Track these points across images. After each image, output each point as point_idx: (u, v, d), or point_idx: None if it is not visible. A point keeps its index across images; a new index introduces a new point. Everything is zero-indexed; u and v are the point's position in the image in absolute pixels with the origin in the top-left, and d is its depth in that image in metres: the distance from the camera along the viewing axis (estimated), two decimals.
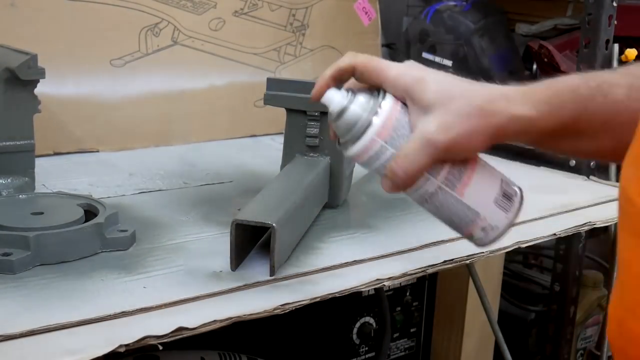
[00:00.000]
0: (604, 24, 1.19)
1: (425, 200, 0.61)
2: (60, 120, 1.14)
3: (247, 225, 0.72)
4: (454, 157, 0.60)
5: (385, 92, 0.61)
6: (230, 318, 0.64)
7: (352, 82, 0.64)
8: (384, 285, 0.75)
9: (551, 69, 1.38)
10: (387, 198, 0.94)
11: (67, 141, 1.15)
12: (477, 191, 0.62)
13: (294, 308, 0.67)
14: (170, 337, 0.60)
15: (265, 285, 0.71)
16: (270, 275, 0.72)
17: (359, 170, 1.05)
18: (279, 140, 1.03)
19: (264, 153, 0.97)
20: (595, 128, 0.59)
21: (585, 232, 0.98)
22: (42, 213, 0.79)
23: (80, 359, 0.56)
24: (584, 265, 1.34)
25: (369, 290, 1.08)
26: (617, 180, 1.30)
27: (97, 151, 1.18)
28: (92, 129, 1.18)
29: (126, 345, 0.58)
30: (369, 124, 0.60)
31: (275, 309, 0.66)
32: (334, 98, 0.63)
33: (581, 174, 1.21)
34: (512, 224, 0.62)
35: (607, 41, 1.20)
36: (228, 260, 0.76)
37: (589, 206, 1.02)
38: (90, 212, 0.81)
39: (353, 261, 0.78)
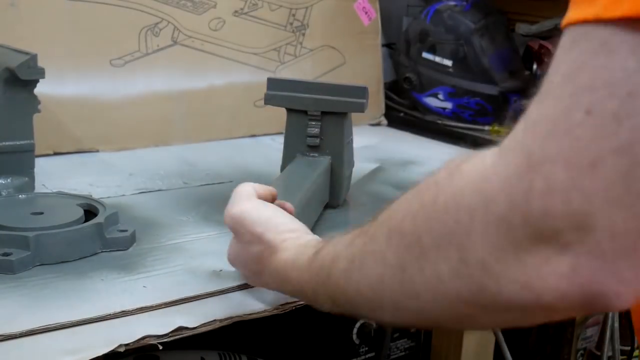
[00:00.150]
0: None
1: None
2: (60, 120, 1.14)
3: None
4: None
5: None
6: (230, 318, 0.64)
7: None
8: None
9: None
10: (388, 198, 0.94)
11: (67, 141, 1.15)
12: None
13: (294, 308, 0.67)
14: (170, 337, 0.60)
15: None
16: None
17: (359, 170, 1.05)
18: (279, 140, 1.03)
19: (264, 153, 0.97)
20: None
21: None
22: (42, 213, 0.79)
23: (80, 359, 0.56)
24: None
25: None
26: None
27: (97, 151, 1.18)
28: (92, 129, 1.18)
29: (126, 345, 0.58)
30: None
31: (275, 309, 0.66)
32: None
33: None
34: None
35: None
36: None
37: None
38: (90, 212, 0.81)
39: None
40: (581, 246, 0.35)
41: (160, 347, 0.60)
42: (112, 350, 0.57)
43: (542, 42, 1.37)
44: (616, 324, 1.26)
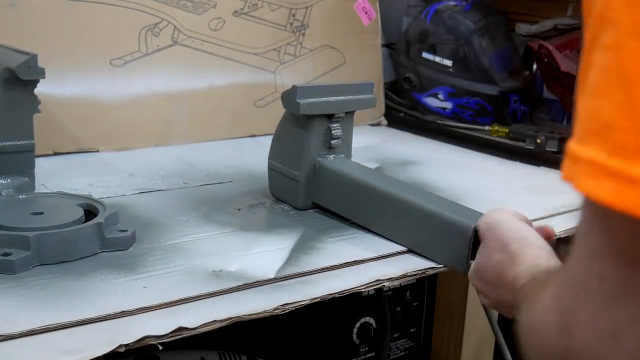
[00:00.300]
0: None
1: None
2: (60, 120, 1.14)
3: None
4: None
5: None
6: (230, 318, 0.64)
7: None
8: (384, 285, 0.75)
9: (551, 69, 1.38)
10: None
11: (67, 141, 1.15)
12: None
13: (294, 308, 0.67)
14: (170, 337, 0.60)
15: (265, 285, 0.71)
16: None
17: None
18: None
19: (264, 153, 0.97)
20: None
21: None
22: (42, 213, 0.79)
23: (80, 359, 0.56)
24: None
25: (369, 291, 1.08)
26: None
27: (97, 151, 1.18)
28: (92, 129, 1.18)
29: (126, 345, 0.58)
30: None
31: (275, 309, 0.66)
32: None
33: None
34: None
35: None
36: (228, 260, 0.76)
37: None
38: (90, 212, 0.81)
39: (353, 261, 0.78)
40: None
41: (160, 347, 0.60)
42: (112, 350, 0.57)
43: (542, 42, 1.37)
44: None
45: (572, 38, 1.39)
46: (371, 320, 1.13)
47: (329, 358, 1.10)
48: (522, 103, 1.46)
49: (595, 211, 0.36)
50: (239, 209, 0.94)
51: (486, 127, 1.43)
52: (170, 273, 0.73)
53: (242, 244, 0.82)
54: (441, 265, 0.79)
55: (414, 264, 0.79)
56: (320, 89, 0.92)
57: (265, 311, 0.66)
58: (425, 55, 1.48)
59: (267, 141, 0.98)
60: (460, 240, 0.76)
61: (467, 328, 1.23)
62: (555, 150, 1.29)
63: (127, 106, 1.21)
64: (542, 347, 0.42)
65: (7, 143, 0.87)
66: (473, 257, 0.77)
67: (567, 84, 1.35)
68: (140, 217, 0.88)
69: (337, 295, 0.71)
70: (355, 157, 0.98)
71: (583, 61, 0.38)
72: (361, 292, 0.74)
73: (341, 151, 0.95)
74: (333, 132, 0.92)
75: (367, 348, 1.14)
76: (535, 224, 0.71)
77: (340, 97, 0.92)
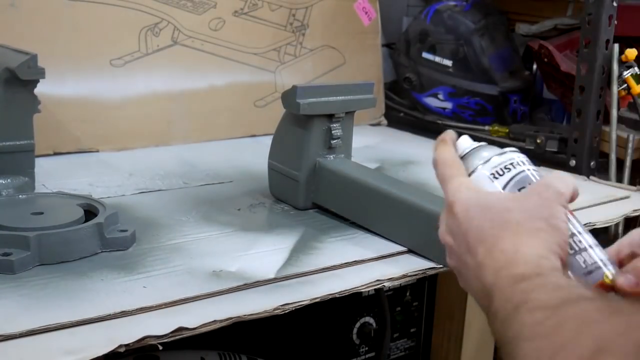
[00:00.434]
0: (604, 24, 1.19)
1: None
2: (60, 120, 1.14)
3: None
4: None
5: None
6: (230, 318, 0.64)
7: None
8: (384, 285, 0.75)
9: (551, 69, 1.38)
10: None
11: (67, 141, 1.15)
12: None
13: (294, 308, 0.67)
14: (170, 337, 0.60)
15: (265, 285, 0.71)
16: None
17: None
18: None
19: (264, 153, 0.97)
20: None
21: None
22: (42, 213, 0.79)
23: (80, 359, 0.56)
24: None
25: (369, 291, 1.08)
26: (617, 181, 1.30)
27: (97, 151, 1.18)
28: (92, 129, 1.18)
29: (126, 345, 0.58)
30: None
31: (275, 309, 0.66)
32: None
33: (581, 174, 1.21)
34: None
35: (607, 41, 1.20)
36: (228, 260, 0.76)
37: (589, 206, 1.02)
38: (90, 212, 0.81)
39: (353, 261, 0.78)
40: None
41: (160, 347, 0.60)
42: (112, 350, 0.57)
43: (542, 42, 1.37)
44: None
45: (572, 38, 1.39)
46: (371, 320, 1.13)
47: (329, 358, 1.10)
48: (522, 103, 1.46)
49: None
50: (239, 209, 0.94)
51: (486, 127, 1.43)
52: (170, 273, 0.73)
53: (242, 244, 0.82)
54: (441, 265, 0.79)
55: (414, 264, 0.79)
56: (320, 89, 0.92)
57: (265, 311, 0.66)
58: (425, 55, 1.48)
59: (267, 141, 0.98)
60: None
61: (467, 328, 1.23)
62: (555, 150, 1.29)
63: (127, 106, 1.21)
64: None
65: (7, 143, 0.87)
66: None
67: (567, 84, 1.35)
68: (140, 217, 0.88)
69: (337, 295, 0.71)
70: (355, 157, 0.98)
71: None
72: (361, 292, 0.74)
73: (341, 151, 0.95)
74: (333, 132, 0.93)
75: (367, 348, 1.14)
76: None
77: (340, 97, 0.92)
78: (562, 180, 0.56)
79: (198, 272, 0.73)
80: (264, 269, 0.74)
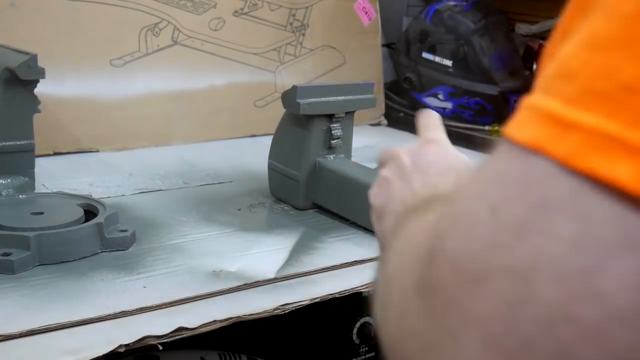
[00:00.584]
0: None
1: None
2: (60, 120, 1.14)
3: None
4: None
5: None
6: (230, 318, 0.64)
7: None
8: None
9: None
10: None
11: (67, 141, 1.15)
12: None
13: (294, 308, 0.67)
14: (170, 337, 0.60)
15: (265, 285, 0.71)
16: None
17: None
18: None
19: (264, 153, 0.97)
20: None
21: None
22: (42, 213, 0.79)
23: (80, 359, 0.56)
24: None
25: (369, 291, 1.08)
26: None
27: (97, 151, 1.18)
28: (92, 129, 1.18)
29: (126, 345, 0.58)
30: None
31: (275, 309, 0.66)
32: None
33: None
34: None
35: None
36: (228, 259, 0.76)
37: None
38: (90, 212, 0.81)
39: (353, 261, 0.78)
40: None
41: (160, 347, 0.60)
42: (112, 350, 0.57)
43: (542, 42, 1.37)
44: None
45: None
46: (371, 320, 1.13)
47: (329, 358, 1.10)
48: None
49: (582, 185, 0.26)
50: (239, 209, 0.94)
51: (486, 127, 1.43)
52: (170, 273, 0.73)
53: (242, 244, 0.82)
54: None
55: None
56: (320, 89, 0.92)
57: (265, 311, 0.66)
58: (425, 55, 1.48)
59: (267, 141, 0.98)
60: None
61: None
62: None
63: (127, 106, 1.21)
64: (402, 278, 0.33)
65: (7, 143, 0.87)
66: None
67: None
68: (140, 217, 0.88)
69: (337, 295, 0.71)
70: (355, 157, 0.98)
71: (567, 11, 0.32)
72: (361, 292, 0.74)
73: (341, 151, 0.95)
74: (333, 132, 0.93)
75: (367, 348, 1.14)
76: None
77: (340, 97, 0.92)
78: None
79: (198, 272, 0.73)
80: (264, 269, 0.74)
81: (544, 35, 1.43)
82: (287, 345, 1.04)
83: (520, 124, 0.29)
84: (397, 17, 1.68)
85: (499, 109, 1.44)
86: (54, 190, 0.92)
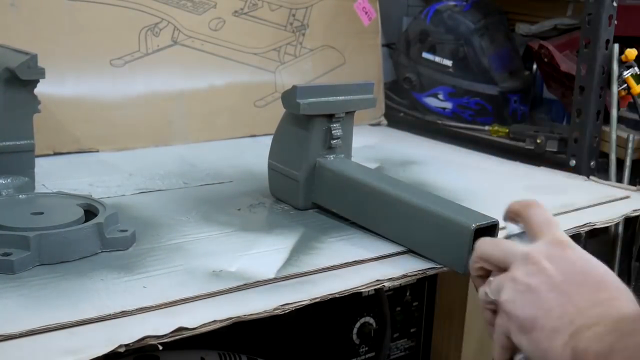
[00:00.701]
0: (604, 24, 1.19)
1: None
2: (60, 120, 1.14)
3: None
4: None
5: None
6: (230, 318, 0.64)
7: None
8: (384, 285, 0.75)
9: (551, 69, 1.38)
10: None
11: (67, 141, 1.15)
12: None
13: (294, 308, 0.67)
14: (170, 337, 0.60)
15: (265, 285, 0.71)
16: None
17: None
18: None
19: (264, 153, 0.97)
20: None
21: (585, 232, 0.98)
22: (42, 213, 0.79)
23: (80, 359, 0.56)
24: None
25: (369, 291, 1.08)
26: (617, 181, 1.30)
27: (97, 151, 1.18)
28: (92, 129, 1.18)
29: (126, 345, 0.58)
30: None
31: (275, 309, 0.66)
32: None
33: (581, 174, 1.21)
34: None
35: (607, 41, 1.21)
36: (228, 260, 0.76)
37: (589, 206, 1.02)
38: (90, 212, 0.81)
39: (353, 261, 0.78)
40: None
41: (160, 347, 0.60)
42: (112, 350, 0.57)
43: (542, 42, 1.37)
44: None
45: (572, 38, 1.39)
46: (371, 320, 1.13)
47: (329, 358, 1.10)
48: (522, 103, 1.46)
49: None
50: (239, 209, 0.94)
51: (486, 127, 1.43)
52: (170, 273, 0.73)
53: (242, 244, 0.82)
54: (441, 265, 0.79)
55: (414, 264, 0.79)
56: (320, 89, 0.92)
57: (265, 311, 0.66)
58: (425, 55, 1.48)
59: (267, 141, 0.98)
60: (460, 241, 0.76)
61: (467, 328, 1.23)
62: (555, 150, 1.29)
63: (127, 106, 1.21)
64: None
65: (7, 143, 0.87)
66: None
67: (567, 84, 1.35)
68: (140, 217, 0.88)
69: (337, 295, 0.71)
70: (355, 157, 0.98)
71: None
72: (361, 292, 0.74)
73: (341, 151, 0.95)
74: (333, 132, 0.93)
75: (367, 348, 1.14)
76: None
77: (340, 97, 0.92)
78: None
79: (198, 272, 0.73)
80: (264, 269, 0.74)
81: (544, 35, 1.43)
82: (287, 345, 1.04)
83: None
84: (397, 17, 1.69)
85: (499, 109, 1.44)
86: (54, 190, 0.92)
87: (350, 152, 0.97)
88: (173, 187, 1.01)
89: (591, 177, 1.20)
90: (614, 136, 1.23)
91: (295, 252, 0.80)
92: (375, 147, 1.32)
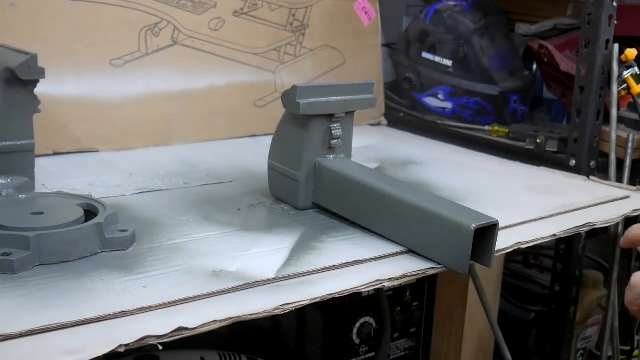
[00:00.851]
0: (604, 24, 1.19)
1: None
2: (60, 120, 1.14)
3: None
4: None
5: None
6: (230, 318, 0.64)
7: None
8: (384, 285, 0.75)
9: (551, 69, 1.38)
10: None
11: (67, 141, 1.15)
12: None
13: (294, 308, 0.67)
14: (170, 337, 0.60)
15: (265, 285, 0.71)
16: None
17: None
18: None
19: (264, 153, 0.97)
20: None
21: (586, 232, 0.98)
22: (42, 213, 0.79)
23: (80, 359, 0.56)
24: (584, 265, 1.34)
25: (368, 291, 1.09)
26: (617, 181, 1.30)
27: (97, 151, 1.18)
28: (92, 129, 1.18)
29: (126, 345, 0.58)
30: None
31: (275, 309, 0.66)
32: None
33: (581, 174, 1.21)
34: None
35: (607, 41, 1.20)
36: (228, 260, 0.76)
37: (589, 206, 1.02)
38: (90, 212, 0.81)
39: (353, 261, 0.78)
40: None
41: (160, 347, 0.60)
42: (112, 350, 0.57)
43: (542, 42, 1.37)
44: (616, 324, 1.26)
45: (572, 38, 1.39)
46: (371, 320, 1.13)
47: (329, 358, 1.10)
48: (522, 103, 1.46)
49: None
50: (239, 209, 0.94)
51: (486, 127, 1.43)
52: (170, 273, 0.73)
53: (242, 244, 0.82)
54: (441, 266, 0.79)
55: (414, 264, 0.79)
56: (320, 89, 0.92)
57: (265, 311, 0.66)
58: (425, 55, 1.48)
59: (267, 141, 0.98)
60: (460, 241, 0.76)
61: (467, 328, 1.23)
62: (555, 150, 1.29)
63: (127, 106, 1.21)
64: None
65: (7, 143, 0.87)
66: (473, 258, 0.77)
67: (567, 84, 1.35)
68: (140, 217, 0.88)
69: (337, 295, 0.71)
70: (355, 157, 0.98)
71: None
72: (361, 292, 0.74)
73: (341, 151, 0.95)
74: (333, 132, 0.93)
75: (367, 348, 1.14)
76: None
77: (340, 97, 0.92)
78: None
79: (198, 272, 0.73)
80: (264, 269, 0.74)
81: (544, 35, 1.43)
82: (287, 345, 1.04)
83: None
84: (397, 17, 1.69)
85: (499, 109, 1.44)
86: (54, 190, 0.92)
87: (350, 152, 0.97)
88: (173, 187, 1.01)
89: (591, 177, 1.20)
90: (613, 136, 1.23)
91: (295, 252, 0.80)
92: (375, 147, 1.32)
